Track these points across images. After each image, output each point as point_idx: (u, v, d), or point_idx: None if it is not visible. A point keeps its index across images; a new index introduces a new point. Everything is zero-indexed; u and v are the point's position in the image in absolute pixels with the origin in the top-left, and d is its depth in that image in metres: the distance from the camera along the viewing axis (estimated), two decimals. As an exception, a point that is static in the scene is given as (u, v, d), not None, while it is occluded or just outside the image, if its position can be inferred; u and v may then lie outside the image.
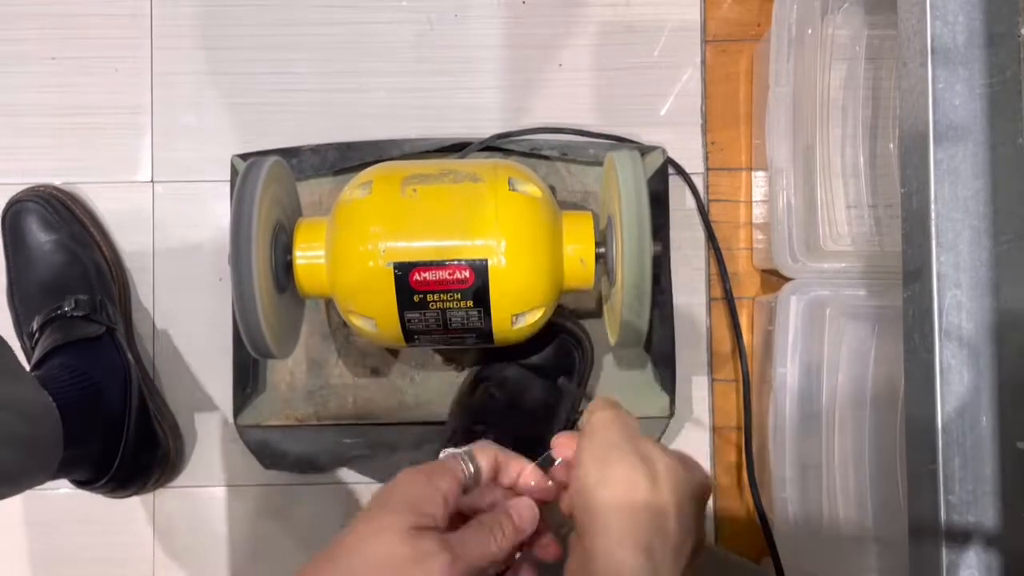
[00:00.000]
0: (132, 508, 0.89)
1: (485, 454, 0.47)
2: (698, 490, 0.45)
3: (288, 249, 0.71)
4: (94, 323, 0.81)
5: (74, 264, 0.84)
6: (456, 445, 0.78)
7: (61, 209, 0.85)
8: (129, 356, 0.83)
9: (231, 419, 0.85)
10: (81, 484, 0.81)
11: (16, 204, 0.85)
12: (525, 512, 0.46)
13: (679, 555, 0.43)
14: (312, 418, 0.85)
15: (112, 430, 0.80)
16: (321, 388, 0.86)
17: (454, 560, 0.41)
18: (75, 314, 0.81)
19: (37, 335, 0.81)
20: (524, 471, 0.48)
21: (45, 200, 0.85)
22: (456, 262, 0.67)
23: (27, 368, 0.80)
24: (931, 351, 0.47)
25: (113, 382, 0.81)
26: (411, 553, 0.40)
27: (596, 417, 0.46)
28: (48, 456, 0.71)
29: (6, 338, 0.70)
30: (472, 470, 0.46)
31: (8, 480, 0.66)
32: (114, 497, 0.86)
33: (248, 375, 0.85)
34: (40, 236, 0.84)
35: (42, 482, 0.72)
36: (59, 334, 0.80)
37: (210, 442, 0.89)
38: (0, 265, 0.87)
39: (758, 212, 0.89)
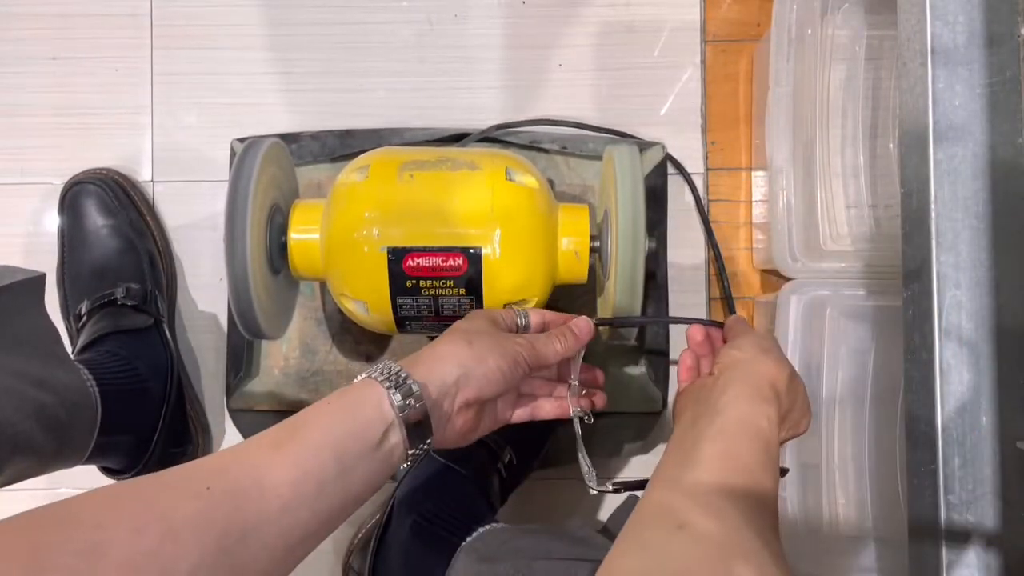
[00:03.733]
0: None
1: (536, 313, 0.63)
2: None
3: (284, 230, 0.70)
4: (144, 313, 0.82)
5: (129, 251, 0.84)
6: None
7: (120, 194, 0.85)
8: (173, 349, 0.84)
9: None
10: (110, 472, 0.81)
11: (77, 185, 0.85)
12: (583, 325, 0.62)
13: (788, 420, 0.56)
14: (304, 404, 0.85)
15: (148, 422, 0.80)
16: (314, 374, 0.86)
17: (532, 347, 0.57)
18: (126, 303, 0.81)
19: (85, 319, 0.81)
20: (572, 321, 0.63)
21: (105, 183, 0.85)
22: (450, 249, 0.67)
23: (69, 350, 0.80)
24: (931, 351, 0.47)
25: (155, 375, 0.81)
26: (503, 335, 0.57)
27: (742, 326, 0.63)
28: (81, 441, 0.72)
29: (51, 317, 0.71)
30: (524, 321, 0.62)
31: (39, 460, 0.66)
32: None
33: (241, 359, 0.85)
34: (98, 219, 0.84)
35: (71, 465, 0.72)
36: (108, 321, 0.80)
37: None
38: (52, 244, 0.87)
39: (758, 212, 0.89)
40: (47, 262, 0.86)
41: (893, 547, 0.76)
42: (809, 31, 0.77)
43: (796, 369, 0.57)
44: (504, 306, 0.68)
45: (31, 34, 0.91)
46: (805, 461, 0.78)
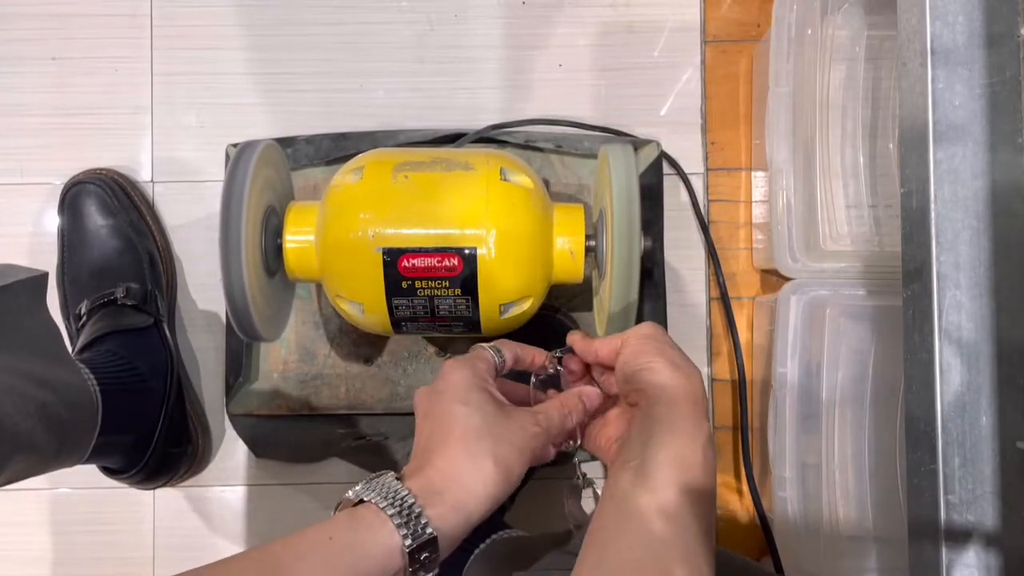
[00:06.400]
0: (134, 505, 0.89)
1: (507, 347, 0.56)
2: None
3: (279, 233, 0.71)
4: (143, 313, 0.82)
5: (129, 251, 0.84)
6: None
7: (120, 194, 0.85)
8: (173, 349, 0.84)
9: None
10: (110, 472, 0.81)
11: (77, 185, 0.85)
12: (594, 397, 0.54)
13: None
14: (304, 408, 0.85)
15: (148, 422, 0.80)
16: (313, 378, 0.86)
17: (547, 435, 0.51)
18: (126, 302, 0.81)
19: (85, 319, 0.81)
20: (536, 357, 0.57)
21: (106, 184, 0.85)
22: (445, 250, 0.67)
23: (69, 349, 0.79)
24: (931, 351, 0.47)
25: (155, 374, 0.81)
26: (519, 429, 0.49)
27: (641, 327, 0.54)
28: (81, 441, 0.72)
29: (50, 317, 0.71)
30: (500, 359, 0.55)
31: (40, 459, 0.66)
32: (141, 488, 0.87)
33: (240, 363, 0.85)
34: (98, 219, 0.84)
35: (72, 464, 0.73)
36: (108, 320, 0.80)
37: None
38: (52, 244, 0.87)
39: (758, 212, 0.89)
40: (47, 262, 0.86)
41: (893, 547, 0.76)
42: (809, 31, 0.77)
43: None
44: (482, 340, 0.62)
45: (31, 34, 0.91)
46: (805, 461, 0.78)
